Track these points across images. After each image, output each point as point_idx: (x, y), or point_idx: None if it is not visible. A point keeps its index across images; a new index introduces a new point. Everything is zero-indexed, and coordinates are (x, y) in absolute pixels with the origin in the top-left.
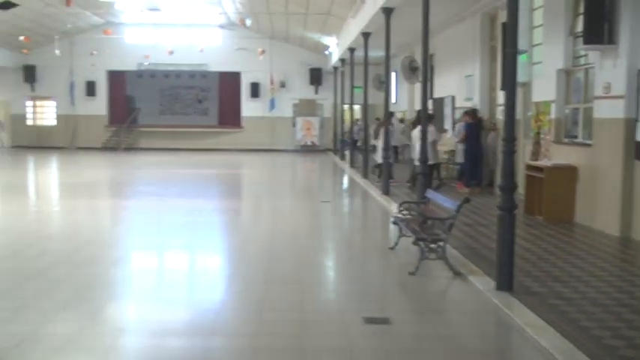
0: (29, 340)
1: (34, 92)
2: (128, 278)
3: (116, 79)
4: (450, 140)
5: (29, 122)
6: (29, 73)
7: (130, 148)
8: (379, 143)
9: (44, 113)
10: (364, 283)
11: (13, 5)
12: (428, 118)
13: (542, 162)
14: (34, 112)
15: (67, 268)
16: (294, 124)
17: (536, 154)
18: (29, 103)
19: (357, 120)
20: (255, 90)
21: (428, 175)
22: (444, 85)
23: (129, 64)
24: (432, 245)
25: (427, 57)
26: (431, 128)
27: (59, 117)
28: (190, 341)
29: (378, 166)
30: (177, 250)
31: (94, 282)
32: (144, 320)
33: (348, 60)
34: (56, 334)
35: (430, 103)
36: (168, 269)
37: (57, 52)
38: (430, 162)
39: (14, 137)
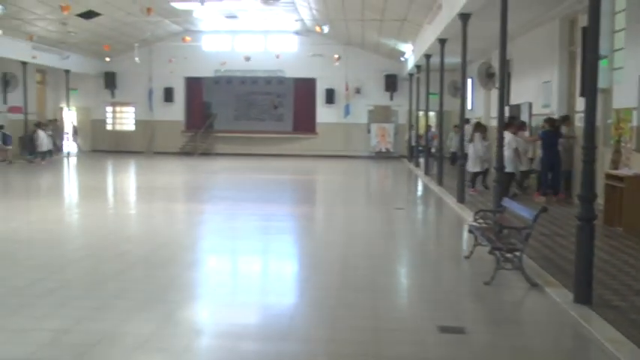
0: (109, 338)
1: (114, 98)
2: (203, 281)
3: (193, 85)
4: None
5: (109, 127)
6: (110, 80)
7: (206, 153)
8: (471, 150)
9: (123, 119)
10: (438, 291)
11: (96, 15)
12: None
13: (623, 171)
14: (114, 118)
15: (145, 269)
16: (368, 131)
17: (616, 163)
18: (109, 109)
19: (430, 127)
20: (330, 96)
21: (506, 183)
22: (521, 92)
23: (206, 71)
24: (508, 255)
25: (504, 63)
26: (511, 136)
27: (137, 122)
28: (264, 345)
29: (476, 175)
30: (251, 254)
31: (170, 284)
32: (218, 323)
33: (423, 66)
34: (134, 333)
35: (507, 110)
36: (242, 273)
37: (136, 59)
38: (509, 170)
39: (94, 142)
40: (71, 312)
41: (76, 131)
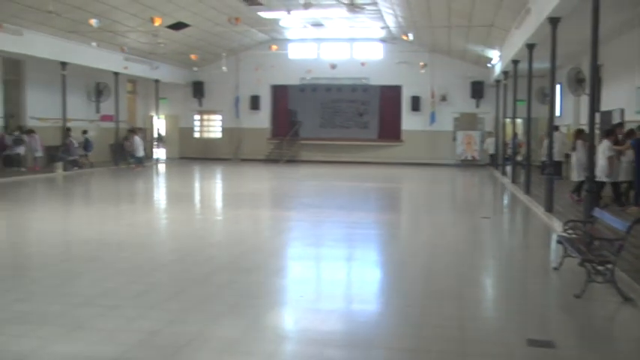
0: (197, 340)
1: (202, 107)
2: (289, 287)
3: (279, 93)
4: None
5: (196, 135)
6: (198, 89)
7: (292, 161)
8: (574, 158)
9: (210, 126)
10: (526, 302)
11: (185, 26)
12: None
13: None
14: (201, 126)
15: (231, 274)
16: (454, 138)
17: None
18: (196, 117)
19: (516, 134)
20: (415, 103)
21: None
22: (613, 98)
23: (292, 79)
24: (600, 267)
25: (595, 68)
26: (607, 143)
27: (224, 130)
28: (349, 353)
29: (581, 184)
30: (336, 261)
31: (256, 289)
32: (304, 329)
33: (510, 72)
34: (221, 336)
35: (597, 117)
36: (327, 280)
37: (224, 68)
38: (605, 179)
39: (182, 149)
40: (160, 314)
41: (161, 139)
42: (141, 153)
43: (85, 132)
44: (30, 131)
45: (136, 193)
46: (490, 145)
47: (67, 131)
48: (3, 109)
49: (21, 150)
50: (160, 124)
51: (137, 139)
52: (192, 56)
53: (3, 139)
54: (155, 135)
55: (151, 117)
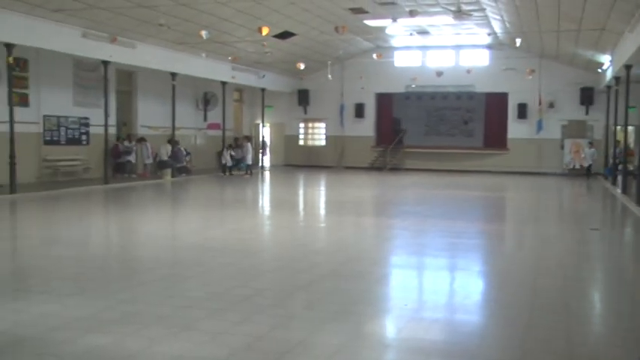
0: (301, 346)
1: (307, 115)
2: (392, 295)
3: (384, 101)
4: None
5: (301, 142)
6: (303, 97)
7: (395, 169)
8: None
9: (315, 134)
10: (638, 320)
11: (291, 35)
12: None
13: None
14: (306, 134)
15: (334, 281)
16: (562, 147)
17: None
18: (301, 125)
19: (619, 142)
20: (522, 111)
21: None
22: None
23: (396, 87)
24: None
25: None
26: None
27: (328, 138)
28: None
29: None
30: (440, 270)
31: (359, 297)
32: (407, 338)
33: (623, 78)
34: (324, 343)
35: None
36: (430, 289)
37: (329, 76)
38: None
39: (287, 156)
40: (264, 319)
41: (264, 146)
42: (250, 160)
43: (176, 142)
44: (141, 139)
45: (241, 200)
46: (588, 155)
47: (174, 140)
48: (116, 118)
49: (132, 157)
50: (265, 132)
51: (249, 147)
52: (298, 64)
53: (117, 147)
54: (260, 142)
55: (257, 125)
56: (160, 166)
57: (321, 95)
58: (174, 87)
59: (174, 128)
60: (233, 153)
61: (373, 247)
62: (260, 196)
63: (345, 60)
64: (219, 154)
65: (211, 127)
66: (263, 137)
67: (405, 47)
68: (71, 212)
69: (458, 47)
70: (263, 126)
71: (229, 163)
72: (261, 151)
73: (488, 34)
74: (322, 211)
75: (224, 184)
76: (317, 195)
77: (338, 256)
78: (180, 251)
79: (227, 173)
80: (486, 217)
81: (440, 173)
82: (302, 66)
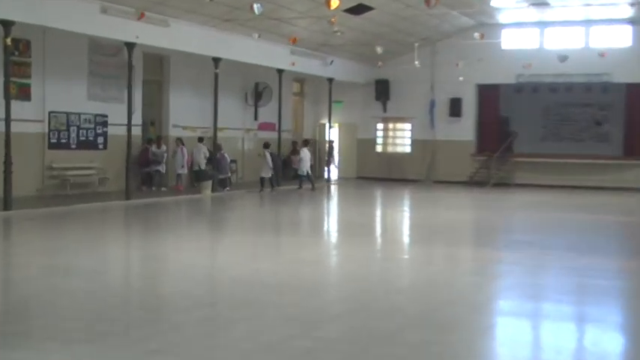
0: None
1: (386, 113)
2: (500, 352)
3: (488, 95)
4: None
5: (378, 149)
6: (382, 90)
7: (503, 184)
8: None
9: (397, 138)
10: None
11: (368, 9)
12: None
13: None
14: (385, 137)
15: (424, 332)
16: None
17: None
18: (379, 126)
19: None
20: None
21: None
22: None
23: (505, 76)
24: None
25: None
26: None
27: (414, 143)
28: None
29: None
30: (564, 321)
31: (458, 353)
32: None
33: None
34: None
35: None
36: (551, 347)
37: (416, 62)
38: None
39: (360, 166)
40: None
41: (331, 153)
42: (306, 171)
43: (219, 147)
44: (180, 142)
45: (301, 222)
46: None
47: (216, 144)
48: (142, 116)
49: (162, 167)
50: (333, 135)
51: (306, 153)
52: (376, 48)
53: (146, 152)
54: (327, 148)
55: (322, 125)
56: (198, 177)
57: (405, 87)
58: (216, 76)
59: (216, 129)
60: (270, 162)
61: (474, 288)
62: (325, 218)
63: (437, 42)
64: (283, 161)
65: (264, 127)
66: (330, 141)
67: (516, 24)
68: (83, 235)
69: (588, 23)
70: (330, 127)
71: (268, 173)
72: (326, 159)
73: (631, 4)
74: (406, 239)
75: (279, 200)
76: (399, 218)
77: (427, 299)
78: (223, 287)
79: (272, 188)
80: (627, 251)
81: (562, 190)
82: (380, 49)
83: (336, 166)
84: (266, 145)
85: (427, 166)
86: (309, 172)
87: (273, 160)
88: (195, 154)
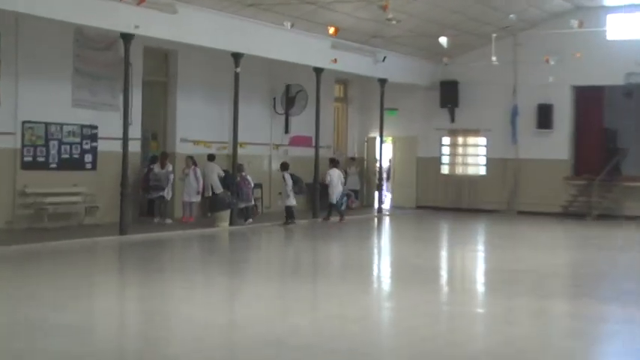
0: None
1: (454, 123)
2: None
3: (587, 100)
4: None
5: (444, 170)
6: (448, 94)
7: (607, 216)
8: None
9: (468, 156)
10: None
11: None
12: None
13: None
14: (453, 154)
15: None
16: None
17: None
18: (446, 141)
19: None
20: None
21: None
22: None
23: (610, 76)
24: None
25: None
26: None
27: (491, 162)
28: None
29: None
30: None
31: None
32: None
33: None
34: None
35: None
36: None
37: (493, 59)
38: None
39: (421, 193)
40: None
41: (383, 175)
42: (335, 198)
43: (240, 168)
44: (191, 161)
45: (343, 265)
46: None
47: (237, 165)
48: (141, 127)
49: (165, 192)
50: (385, 152)
51: (336, 175)
52: (443, 40)
53: (148, 174)
54: (377, 168)
55: (372, 140)
56: (213, 206)
57: (478, 91)
58: (237, 77)
59: (236, 145)
60: (289, 185)
61: (572, 353)
62: (375, 259)
63: (521, 32)
64: (311, 188)
65: (297, 142)
66: (381, 160)
67: (627, 7)
68: (64, 280)
69: None
70: (382, 141)
71: (291, 201)
72: (377, 183)
73: None
74: (480, 288)
75: (316, 236)
76: (471, 260)
77: None
78: (243, 350)
79: (286, 221)
80: None
81: None
82: (447, 42)
83: (389, 193)
84: (284, 167)
85: (508, 192)
86: (338, 199)
87: (296, 184)
88: (208, 176)
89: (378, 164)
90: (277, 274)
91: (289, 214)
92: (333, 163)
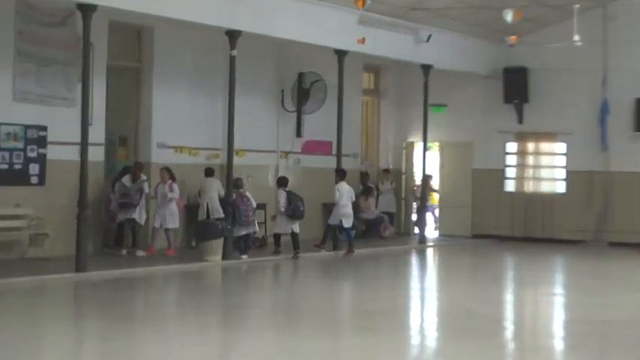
0: None
1: (523, 125)
2: None
3: None
4: None
5: (509, 187)
6: (515, 86)
7: None
8: None
9: (541, 168)
10: None
11: None
12: None
13: None
14: (522, 166)
15: None
16: None
17: None
18: (512, 148)
19: None
20: None
21: None
22: None
23: None
24: None
25: None
26: None
27: (572, 176)
28: None
29: None
30: None
31: None
32: None
33: None
34: None
35: None
36: None
37: (575, 37)
38: None
39: (478, 216)
40: None
41: (426, 191)
42: (339, 219)
43: (238, 183)
44: (168, 174)
45: (371, 311)
46: None
47: (235, 180)
48: (105, 127)
49: (136, 214)
50: (430, 162)
51: (345, 190)
52: (507, 14)
53: (114, 189)
54: (418, 183)
55: (411, 145)
56: (201, 234)
57: (555, 81)
58: (233, 62)
59: (231, 152)
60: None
61: None
62: (415, 304)
63: (613, 1)
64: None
65: (312, 148)
66: (424, 173)
67: None
68: (1, 332)
69: None
70: (425, 148)
71: (279, 227)
72: (417, 201)
73: None
74: (559, 345)
75: (337, 273)
76: (547, 306)
77: None
78: None
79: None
80: None
81: None
82: (510, 16)
83: (435, 217)
84: (281, 182)
85: (595, 216)
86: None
87: (291, 203)
88: (208, 193)
89: (419, 178)
90: (283, 325)
91: (276, 242)
92: (341, 174)
